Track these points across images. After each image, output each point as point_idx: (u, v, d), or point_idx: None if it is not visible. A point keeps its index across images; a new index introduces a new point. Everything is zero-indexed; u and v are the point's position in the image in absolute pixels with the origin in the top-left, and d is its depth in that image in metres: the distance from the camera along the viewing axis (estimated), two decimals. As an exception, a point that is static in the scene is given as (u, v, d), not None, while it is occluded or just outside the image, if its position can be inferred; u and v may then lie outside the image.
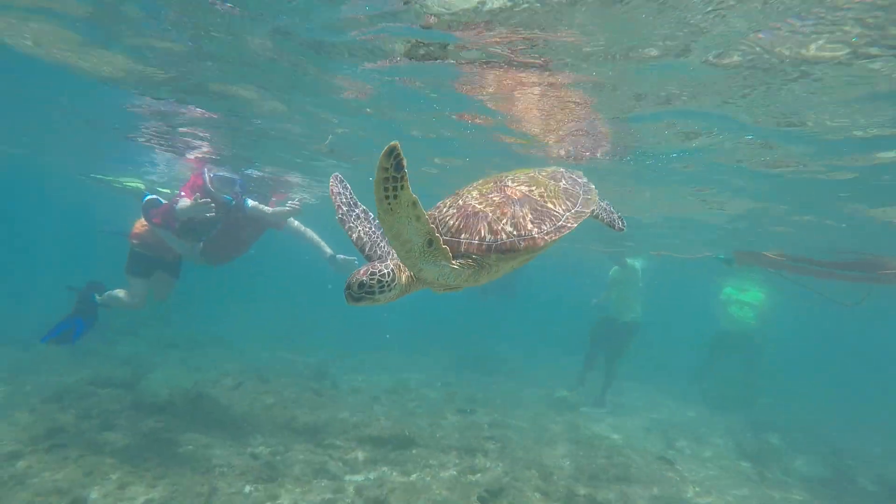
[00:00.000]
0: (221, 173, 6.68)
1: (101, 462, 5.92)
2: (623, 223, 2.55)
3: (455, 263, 1.87)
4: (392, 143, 1.40)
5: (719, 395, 13.23)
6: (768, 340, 14.36)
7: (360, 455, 7.03)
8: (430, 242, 1.72)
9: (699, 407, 13.24)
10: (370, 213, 2.31)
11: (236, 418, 7.62)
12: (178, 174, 12.01)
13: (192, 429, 7.04)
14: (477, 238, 1.93)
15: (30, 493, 5.21)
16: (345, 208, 2.30)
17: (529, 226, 2.00)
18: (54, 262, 28.22)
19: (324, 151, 8.51)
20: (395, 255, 2.01)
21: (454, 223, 1.98)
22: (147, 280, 6.66)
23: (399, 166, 1.44)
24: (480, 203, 2.04)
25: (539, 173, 2.33)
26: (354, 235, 2.24)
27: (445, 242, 1.89)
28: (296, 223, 7.25)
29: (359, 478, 6.42)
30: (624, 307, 11.50)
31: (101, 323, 7.29)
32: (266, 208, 6.83)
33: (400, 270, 1.93)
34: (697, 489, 7.70)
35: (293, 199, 7.04)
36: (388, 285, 1.86)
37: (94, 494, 5.37)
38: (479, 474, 6.99)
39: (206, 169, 6.68)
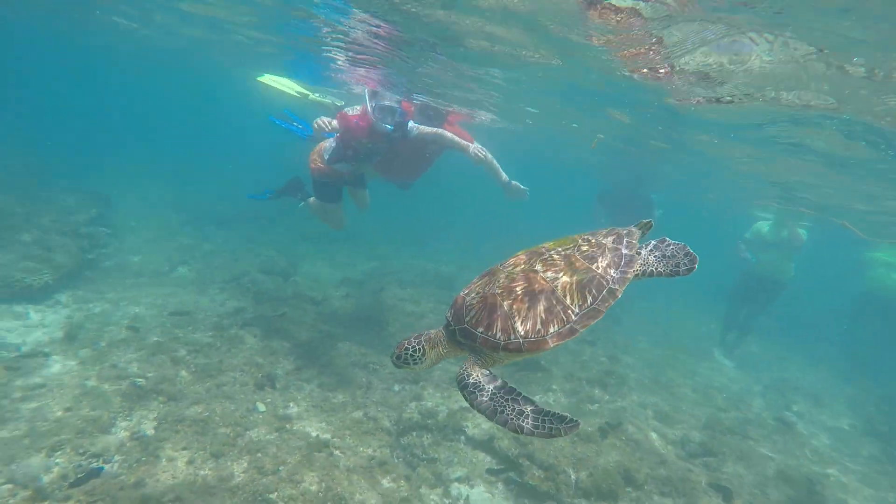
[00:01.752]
0: (384, 102, 6.65)
1: (280, 345, 7.18)
2: (691, 265, 2.31)
3: (472, 359, 2.26)
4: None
5: (858, 362, 12.50)
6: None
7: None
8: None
9: (827, 372, 12.68)
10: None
11: (382, 321, 8.67)
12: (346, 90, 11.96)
13: (347, 325, 8.18)
14: (489, 334, 2.16)
15: (239, 360, 6.58)
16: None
17: (539, 326, 2.14)
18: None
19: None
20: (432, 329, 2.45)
21: (475, 314, 2.22)
22: (338, 203, 7.16)
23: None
24: (503, 293, 2.20)
25: (579, 249, 2.34)
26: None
27: (462, 332, 2.23)
28: (475, 147, 6.78)
29: (489, 392, 7.22)
30: (781, 269, 10.98)
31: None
32: (433, 130, 6.77)
33: (430, 347, 2.33)
34: (815, 458, 7.74)
35: (478, 147, 6.73)
36: (419, 359, 2.32)
37: (279, 371, 6.63)
38: (597, 405, 7.55)
39: (368, 98, 6.70)
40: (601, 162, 16.07)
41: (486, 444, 5.96)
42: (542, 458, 5.68)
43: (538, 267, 2.27)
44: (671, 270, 2.33)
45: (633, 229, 2.45)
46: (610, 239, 2.39)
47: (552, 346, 2.13)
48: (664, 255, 2.37)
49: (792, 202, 13.18)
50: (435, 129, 6.83)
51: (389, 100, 6.50)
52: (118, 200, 12.46)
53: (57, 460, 4.48)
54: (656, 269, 2.35)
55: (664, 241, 2.43)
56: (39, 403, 5.20)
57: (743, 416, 8.34)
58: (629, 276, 2.28)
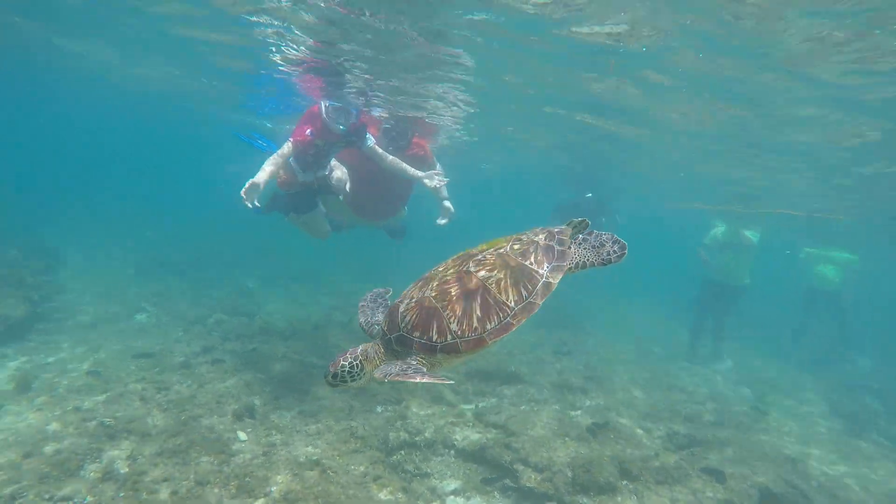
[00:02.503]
0: (337, 104, 6.61)
1: (255, 377, 6.93)
2: (621, 251, 2.34)
3: (409, 362, 2.21)
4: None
5: (814, 354, 13.16)
6: (861, 300, 13.86)
7: (470, 387, 7.76)
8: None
9: (789, 366, 13.27)
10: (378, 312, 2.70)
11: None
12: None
13: (321, 355, 7.99)
14: (426, 338, 2.15)
15: (211, 395, 6.28)
16: (369, 304, 2.75)
17: (475, 324, 2.14)
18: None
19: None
20: (368, 328, 2.53)
21: (411, 318, 2.21)
22: (314, 211, 6.88)
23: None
24: (437, 296, 2.20)
25: (511, 247, 2.35)
26: (362, 320, 2.66)
27: (398, 339, 2.23)
28: (428, 174, 6.68)
29: (470, 406, 7.16)
30: (737, 273, 11.48)
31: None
32: (389, 157, 6.57)
33: (367, 362, 2.28)
34: (792, 439, 8.02)
35: (439, 173, 6.63)
36: (358, 375, 2.26)
37: (256, 401, 6.37)
38: (579, 410, 7.60)
39: (322, 100, 6.61)
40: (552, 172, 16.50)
41: (477, 455, 5.88)
42: (535, 460, 5.65)
43: (471, 267, 2.27)
44: (602, 259, 2.34)
45: (565, 227, 2.45)
46: (542, 236, 2.40)
47: (490, 342, 2.12)
48: (593, 246, 2.38)
49: (726, 201, 14.06)
50: (389, 155, 6.68)
51: (345, 104, 6.51)
52: (68, 251, 11.90)
53: (19, 509, 4.10)
54: (587, 259, 2.36)
55: (592, 232, 2.44)
56: (-4, 450, 4.78)
57: (721, 408, 8.58)
58: (563, 267, 2.29)
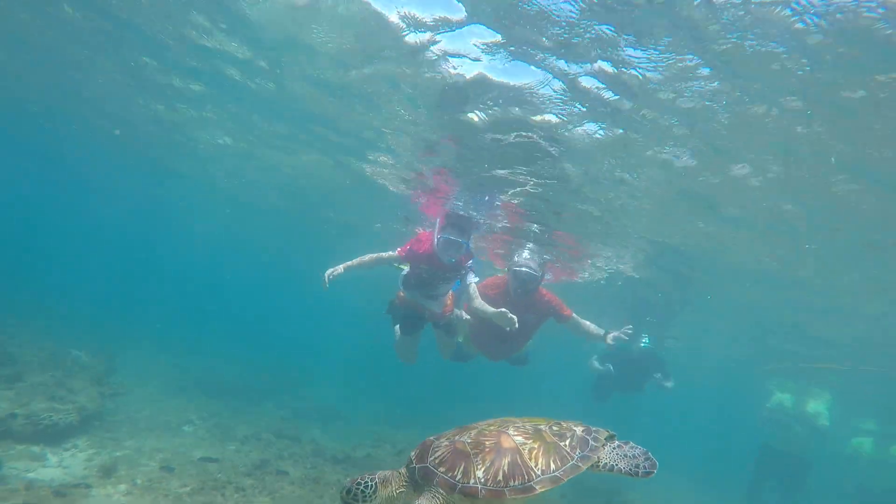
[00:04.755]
0: (450, 237, 6.35)
1: (318, 490, 7.02)
2: (651, 468, 2.44)
3: (424, 499, 2.28)
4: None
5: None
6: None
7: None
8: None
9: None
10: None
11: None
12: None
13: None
14: (450, 475, 2.26)
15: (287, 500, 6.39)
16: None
17: (500, 477, 2.25)
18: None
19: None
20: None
21: (440, 455, 2.34)
22: (411, 336, 6.92)
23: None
24: (471, 444, 2.36)
25: (550, 427, 2.54)
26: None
27: (423, 470, 2.32)
28: (582, 320, 6.78)
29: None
30: (806, 445, 11.29)
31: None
32: (476, 300, 6.31)
33: (383, 486, 2.36)
34: None
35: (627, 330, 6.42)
36: (370, 497, 2.30)
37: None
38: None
39: (437, 229, 6.63)
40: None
41: None
42: None
43: (510, 430, 2.45)
44: (631, 470, 2.44)
45: (601, 429, 2.64)
46: (580, 429, 2.58)
47: (508, 497, 2.22)
48: (626, 455, 2.50)
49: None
50: (476, 297, 6.41)
51: (457, 235, 6.42)
52: (120, 359, 12.31)
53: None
54: (617, 464, 2.47)
55: (628, 443, 2.58)
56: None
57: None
58: (592, 458, 2.43)
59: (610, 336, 6.40)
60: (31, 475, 6.05)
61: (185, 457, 7.64)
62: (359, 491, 2.29)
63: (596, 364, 10.20)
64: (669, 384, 9.98)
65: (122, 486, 6.08)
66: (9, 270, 24.21)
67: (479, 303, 6.23)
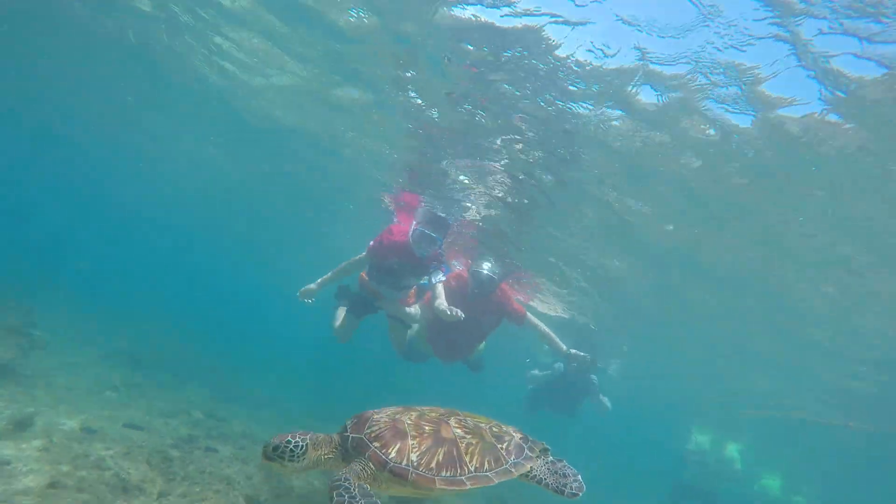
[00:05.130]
0: (428, 231, 6.46)
1: (246, 470, 6.75)
2: (577, 491, 2.43)
3: (350, 470, 2.20)
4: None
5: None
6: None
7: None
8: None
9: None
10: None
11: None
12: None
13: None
14: (383, 451, 2.20)
15: (219, 471, 6.11)
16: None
17: (433, 465, 2.20)
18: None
19: None
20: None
21: (379, 429, 2.28)
22: (353, 316, 6.92)
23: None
24: (411, 425, 2.31)
25: (490, 428, 2.52)
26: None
27: (357, 441, 2.25)
28: (534, 318, 7.04)
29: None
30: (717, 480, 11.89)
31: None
32: (439, 300, 6.17)
33: (314, 447, 2.27)
34: None
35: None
36: (298, 457, 2.20)
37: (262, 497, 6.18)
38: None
39: (414, 222, 6.78)
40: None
41: None
42: None
43: (451, 421, 2.43)
44: (558, 487, 2.43)
45: (538, 441, 2.63)
46: (518, 436, 2.56)
47: (437, 487, 2.17)
48: (556, 471, 2.50)
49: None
50: (440, 298, 6.28)
51: (433, 231, 6.54)
52: (40, 314, 11.46)
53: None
54: (545, 479, 2.46)
55: (562, 461, 2.58)
56: (11, 478, 4.58)
57: None
58: (525, 467, 2.41)
59: (572, 351, 6.63)
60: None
61: (109, 421, 7.17)
62: (287, 449, 2.18)
63: (535, 372, 10.43)
64: (608, 405, 10.11)
65: (37, 442, 5.63)
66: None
67: (440, 302, 6.20)
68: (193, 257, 38.65)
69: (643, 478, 19.30)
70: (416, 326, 7.33)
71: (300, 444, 2.20)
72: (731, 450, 12.47)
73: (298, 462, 2.20)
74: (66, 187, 31.69)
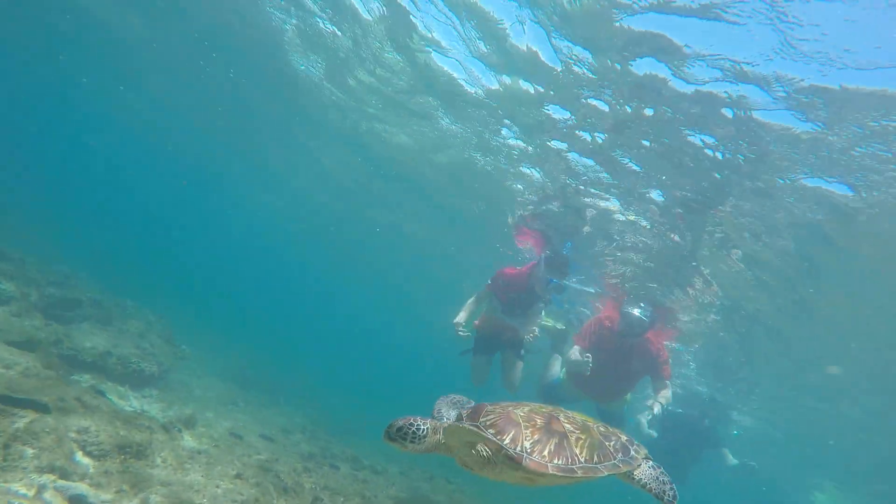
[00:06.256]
0: (549, 277, 6.92)
1: (367, 490, 7.38)
2: (674, 496, 2.56)
3: (474, 450, 2.32)
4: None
5: None
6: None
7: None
8: (472, 443, 2.31)
9: None
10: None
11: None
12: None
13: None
14: (498, 438, 2.27)
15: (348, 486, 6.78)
16: (444, 407, 2.80)
17: (545, 453, 2.29)
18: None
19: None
20: (439, 418, 2.57)
21: (492, 419, 2.37)
22: (482, 358, 7.25)
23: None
24: (524, 417, 2.42)
25: (598, 426, 2.62)
26: (437, 405, 2.78)
27: (474, 425, 2.31)
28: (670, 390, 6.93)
29: None
30: None
31: None
32: (570, 351, 6.86)
33: (433, 432, 2.35)
34: None
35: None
36: (420, 439, 2.29)
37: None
38: None
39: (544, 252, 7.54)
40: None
41: None
42: None
43: (561, 417, 2.52)
44: (659, 492, 2.53)
45: (642, 446, 2.73)
46: (623, 436, 2.66)
47: (550, 473, 2.26)
48: (657, 478, 2.60)
49: None
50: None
51: (557, 273, 7.04)
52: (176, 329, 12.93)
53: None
54: (647, 483, 2.56)
55: (661, 468, 2.68)
56: (208, 465, 5.44)
57: None
58: (632, 465, 2.50)
59: (656, 408, 6.56)
60: (129, 409, 6.59)
61: (245, 430, 8.09)
62: (410, 431, 2.29)
63: (643, 424, 9.81)
64: (732, 461, 9.29)
65: (206, 440, 6.57)
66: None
67: (571, 351, 6.81)
68: (311, 278, 40.80)
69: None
70: (559, 370, 7.74)
71: (423, 427, 2.31)
72: None
73: (419, 444, 2.31)
74: (203, 204, 34.76)
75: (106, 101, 19.15)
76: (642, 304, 7.57)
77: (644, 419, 6.72)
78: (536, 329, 6.98)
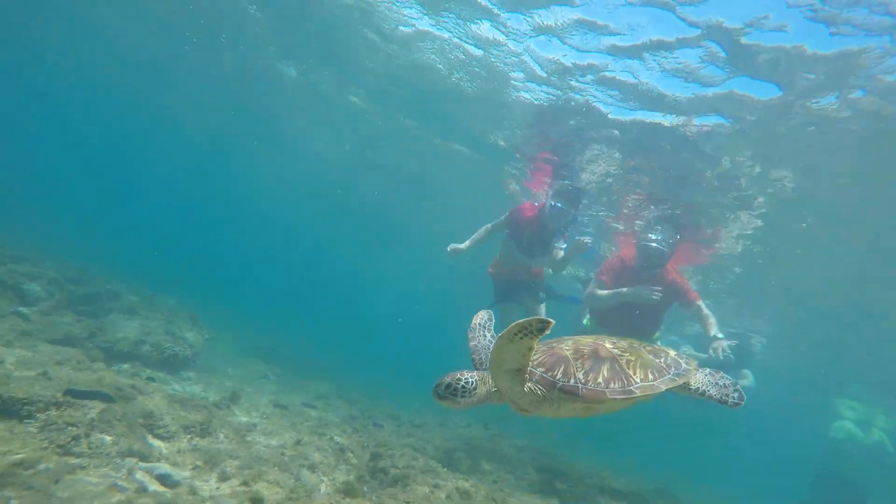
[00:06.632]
0: (561, 205, 6.84)
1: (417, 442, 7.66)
2: (739, 399, 2.52)
3: (525, 387, 2.23)
4: (549, 320, 1.91)
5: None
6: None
7: None
8: (519, 371, 2.15)
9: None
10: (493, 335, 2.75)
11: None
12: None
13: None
14: (549, 374, 2.26)
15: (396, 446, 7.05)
16: (477, 328, 2.75)
17: (600, 380, 2.25)
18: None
19: None
20: (486, 367, 2.42)
21: (539, 357, 2.35)
22: (509, 303, 7.30)
23: (542, 330, 1.93)
24: (570, 350, 2.38)
25: (643, 346, 2.59)
26: (472, 343, 2.65)
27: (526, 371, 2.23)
28: (704, 306, 6.78)
29: None
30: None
31: None
32: (559, 252, 6.70)
33: (482, 383, 2.29)
34: None
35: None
36: (470, 392, 2.23)
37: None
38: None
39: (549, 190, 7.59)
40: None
41: None
42: None
43: (607, 343, 2.50)
44: (721, 397, 2.53)
45: (693, 358, 2.70)
46: (672, 352, 2.65)
47: (609, 398, 2.22)
48: (716, 383, 2.59)
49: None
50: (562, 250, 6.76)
51: (567, 205, 6.92)
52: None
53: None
54: (708, 390, 2.55)
55: (719, 372, 2.66)
56: (266, 436, 5.63)
57: None
58: (687, 376, 2.48)
59: (716, 343, 6.23)
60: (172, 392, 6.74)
61: (286, 400, 8.31)
62: (459, 386, 2.22)
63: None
64: (748, 381, 9.19)
65: (254, 414, 6.76)
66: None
67: (626, 291, 6.68)
68: (315, 256, 40.98)
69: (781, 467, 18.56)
70: (585, 320, 7.77)
71: (470, 380, 2.25)
72: (882, 432, 11.56)
73: (470, 397, 2.25)
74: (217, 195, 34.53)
75: (97, 85, 18.61)
76: (659, 228, 7.44)
77: (720, 353, 6.24)
78: (576, 243, 6.42)
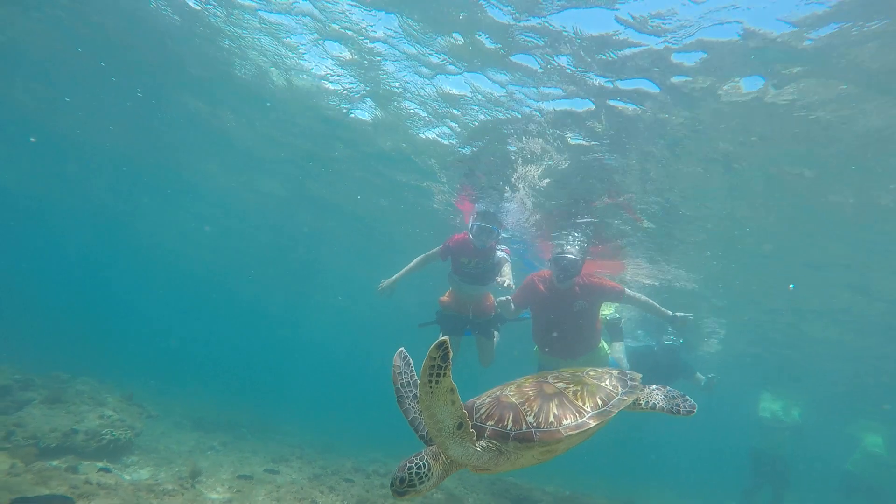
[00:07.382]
0: (482, 224, 6.81)
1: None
2: (690, 409, 2.52)
3: (478, 446, 2.12)
4: (442, 338, 1.76)
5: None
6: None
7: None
8: (460, 425, 2.01)
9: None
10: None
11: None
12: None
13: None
14: (500, 426, 2.15)
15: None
16: (402, 389, 2.44)
17: (551, 419, 2.18)
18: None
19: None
20: (432, 442, 2.23)
21: (485, 410, 2.25)
22: (453, 337, 7.05)
23: (445, 357, 1.78)
24: (514, 395, 2.31)
25: (586, 373, 2.60)
26: (410, 417, 2.41)
27: (473, 426, 2.13)
28: (632, 292, 6.76)
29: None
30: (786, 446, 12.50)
31: None
32: (504, 276, 6.47)
33: (434, 460, 2.16)
34: None
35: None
36: (425, 476, 2.10)
37: None
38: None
39: (473, 215, 7.22)
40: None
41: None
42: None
43: (549, 379, 2.47)
44: (671, 408, 2.52)
45: (635, 373, 2.69)
46: (615, 371, 2.65)
47: (565, 436, 2.16)
48: (665, 396, 2.59)
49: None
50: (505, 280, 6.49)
51: (488, 223, 6.90)
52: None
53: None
54: (657, 403, 2.55)
55: (666, 387, 2.67)
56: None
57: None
58: (636, 394, 2.47)
59: (679, 314, 6.32)
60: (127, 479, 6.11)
61: (247, 469, 7.78)
62: (412, 475, 2.09)
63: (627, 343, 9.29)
64: (703, 382, 9.08)
65: (221, 489, 6.30)
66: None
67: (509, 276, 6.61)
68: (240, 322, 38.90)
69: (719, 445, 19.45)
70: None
71: (422, 464, 2.12)
72: (798, 412, 12.92)
73: (430, 480, 2.13)
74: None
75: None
76: (570, 241, 7.69)
77: (688, 322, 6.37)
78: (507, 278, 6.48)
